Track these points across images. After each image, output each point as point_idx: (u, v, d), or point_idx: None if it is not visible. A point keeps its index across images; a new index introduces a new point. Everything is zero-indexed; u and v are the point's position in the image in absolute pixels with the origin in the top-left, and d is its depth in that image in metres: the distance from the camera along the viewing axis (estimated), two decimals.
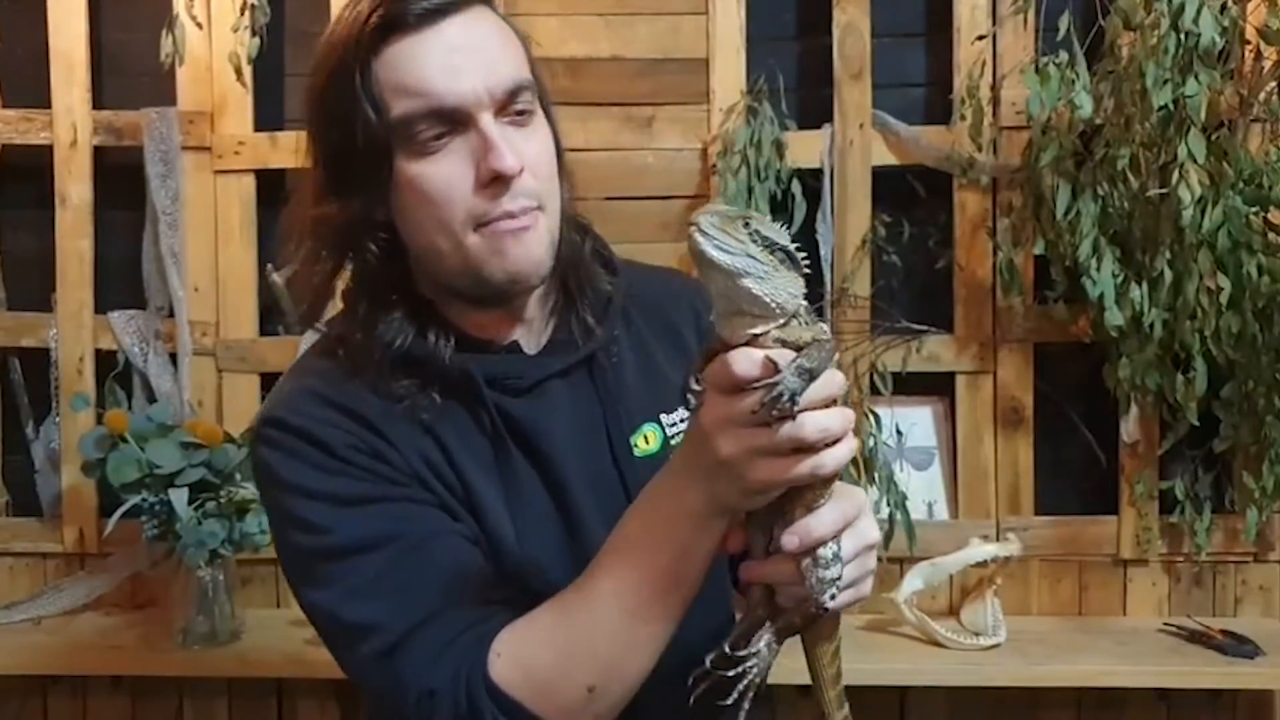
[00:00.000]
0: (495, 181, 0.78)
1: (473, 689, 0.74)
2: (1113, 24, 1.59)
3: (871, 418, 1.77)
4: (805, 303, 0.68)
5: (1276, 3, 1.61)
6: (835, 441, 0.67)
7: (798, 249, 0.69)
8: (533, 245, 0.81)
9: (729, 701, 0.74)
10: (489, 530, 0.80)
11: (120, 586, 1.96)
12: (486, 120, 0.78)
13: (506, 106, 0.80)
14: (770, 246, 0.65)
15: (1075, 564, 1.89)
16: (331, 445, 0.79)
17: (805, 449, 0.66)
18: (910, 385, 1.87)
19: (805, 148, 1.85)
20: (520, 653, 0.75)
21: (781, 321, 0.66)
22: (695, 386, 0.69)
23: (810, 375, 0.64)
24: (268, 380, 1.94)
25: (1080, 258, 1.65)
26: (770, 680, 0.80)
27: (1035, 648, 1.74)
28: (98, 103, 1.95)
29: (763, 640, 0.75)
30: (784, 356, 0.64)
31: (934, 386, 1.90)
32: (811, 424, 0.65)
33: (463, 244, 0.79)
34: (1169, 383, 1.72)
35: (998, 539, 1.83)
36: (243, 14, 1.80)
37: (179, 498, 1.66)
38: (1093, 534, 1.88)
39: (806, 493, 0.71)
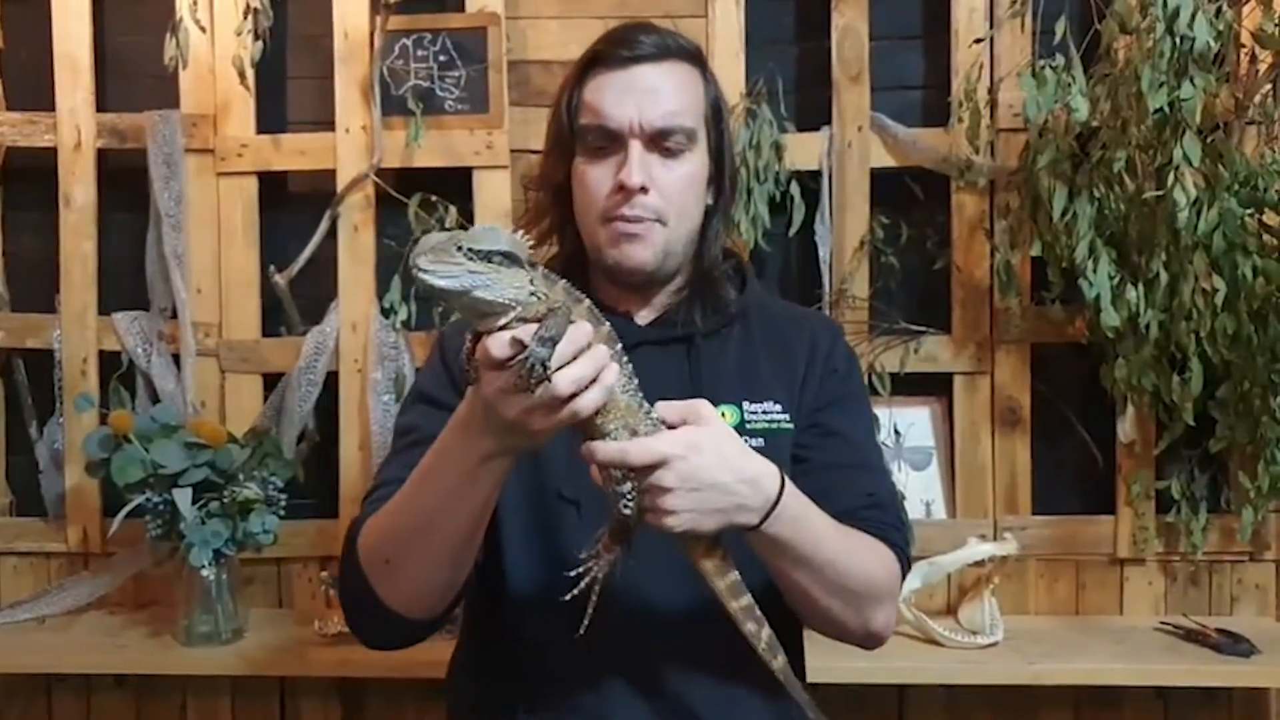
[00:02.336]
0: (621, 190, 1.06)
1: (353, 536, 1.01)
2: (1109, 28, 1.60)
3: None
4: (536, 281, 0.81)
5: (1272, 6, 1.63)
6: (591, 385, 0.83)
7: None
8: (641, 249, 1.07)
9: (573, 593, 0.92)
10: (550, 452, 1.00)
11: (124, 586, 1.97)
12: (634, 145, 1.06)
13: (657, 140, 1.06)
14: (486, 257, 0.78)
15: (1072, 563, 1.91)
16: (444, 349, 1.11)
17: (568, 398, 0.81)
18: (908, 386, 1.88)
19: (804, 150, 1.87)
20: (372, 522, 0.99)
21: (517, 310, 0.79)
22: (467, 368, 0.86)
23: (553, 341, 0.79)
24: (270, 380, 1.96)
25: (1077, 259, 1.66)
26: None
27: (1033, 646, 1.76)
28: (101, 105, 1.96)
29: (599, 541, 0.92)
30: (527, 331, 0.79)
31: (932, 387, 1.91)
32: (563, 380, 0.81)
33: (595, 230, 1.09)
34: (1165, 383, 1.73)
35: (995, 538, 1.85)
36: (246, 17, 1.82)
37: (183, 497, 1.67)
38: (1089, 533, 1.89)
39: (591, 426, 0.86)
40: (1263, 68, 1.68)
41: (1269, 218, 1.65)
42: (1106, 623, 1.88)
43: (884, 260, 1.89)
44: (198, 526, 1.69)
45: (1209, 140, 1.61)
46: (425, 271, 0.76)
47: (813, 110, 1.90)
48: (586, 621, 0.91)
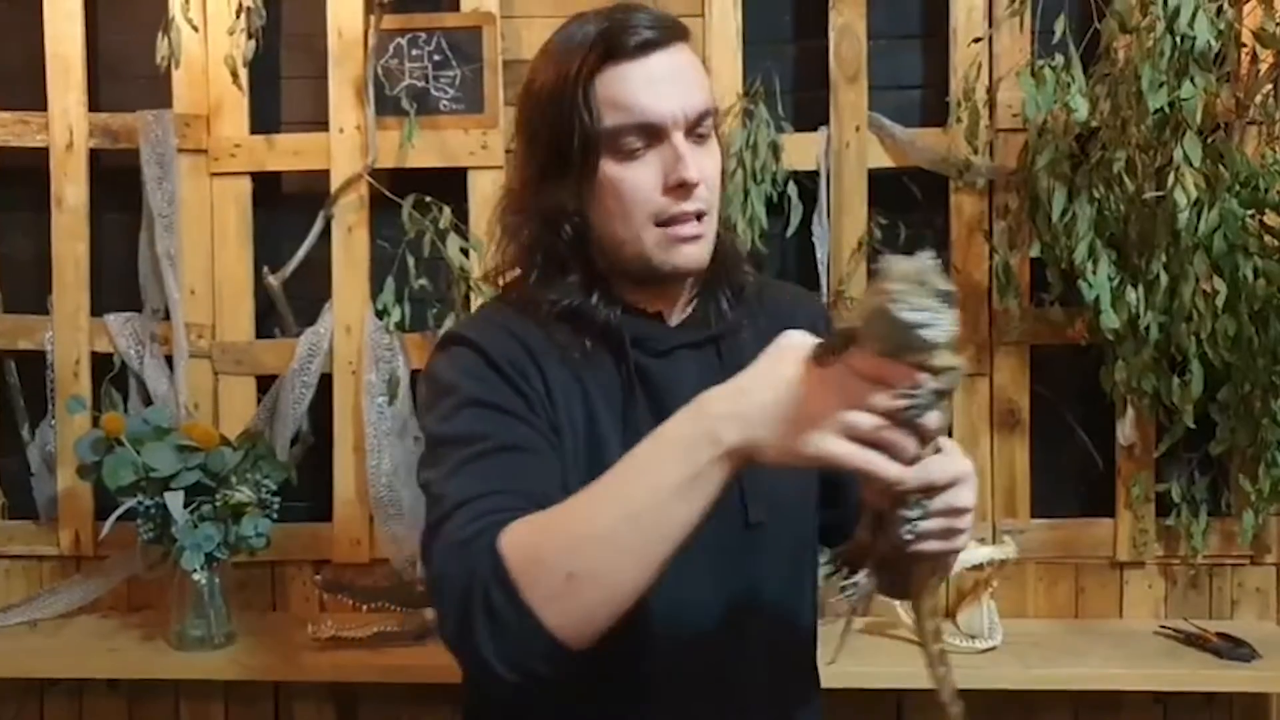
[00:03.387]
0: (680, 188, 0.96)
1: (483, 549, 0.81)
2: (1109, 27, 1.58)
3: None
4: (954, 323, 0.73)
5: (1273, 5, 1.61)
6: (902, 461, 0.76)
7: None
8: (702, 247, 0.98)
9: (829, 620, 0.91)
10: (604, 465, 0.86)
11: (116, 589, 1.96)
12: (679, 137, 0.96)
13: (694, 128, 0.97)
14: (945, 298, 0.71)
15: (1072, 566, 1.90)
16: (491, 356, 0.96)
17: (884, 449, 0.74)
18: None
19: (802, 150, 1.85)
20: (528, 532, 0.82)
21: (940, 350, 0.73)
22: (839, 346, 0.75)
23: (939, 398, 0.74)
24: (264, 382, 1.94)
25: (1076, 260, 1.64)
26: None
27: (1032, 651, 1.74)
28: (94, 105, 1.95)
29: (862, 572, 0.88)
30: (924, 376, 0.73)
31: None
32: (931, 425, 0.75)
33: (640, 236, 0.97)
34: (1165, 385, 1.72)
35: (994, 541, 1.83)
36: (238, 16, 1.80)
37: (174, 501, 1.66)
38: (1089, 536, 1.88)
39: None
40: (1264, 67, 1.67)
41: (1270, 218, 1.64)
42: (1106, 626, 1.86)
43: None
44: (189, 530, 1.67)
45: (1209, 141, 1.60)
46: (897, 302, 0.70)
47: (810, 110, 1.88)
48: (836, 654, 0.92)
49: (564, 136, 0.96)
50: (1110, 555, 1.88)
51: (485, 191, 1.87)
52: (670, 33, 0.97)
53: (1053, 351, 1.87)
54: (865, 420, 0.73)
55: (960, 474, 0.82)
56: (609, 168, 0.96)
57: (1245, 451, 1.76)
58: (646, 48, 0.95)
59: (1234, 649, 1.72)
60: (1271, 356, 1.65)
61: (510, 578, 0.79)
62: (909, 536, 0.82)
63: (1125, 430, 1.84)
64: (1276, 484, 1.72)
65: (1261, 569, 1.89)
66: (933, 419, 0.75)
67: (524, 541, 0.81)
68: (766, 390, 0.77)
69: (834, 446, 0.73)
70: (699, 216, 0.97)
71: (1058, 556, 1.88)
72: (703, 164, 0.97)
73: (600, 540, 0.79)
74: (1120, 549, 1.87)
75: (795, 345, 0.78)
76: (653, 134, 0.95)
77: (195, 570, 1.70)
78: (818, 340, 0.77)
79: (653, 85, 0.95)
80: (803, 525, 1.08)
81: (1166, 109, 1.50)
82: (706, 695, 1.00)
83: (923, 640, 0.92)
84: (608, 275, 1.01)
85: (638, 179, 0.96)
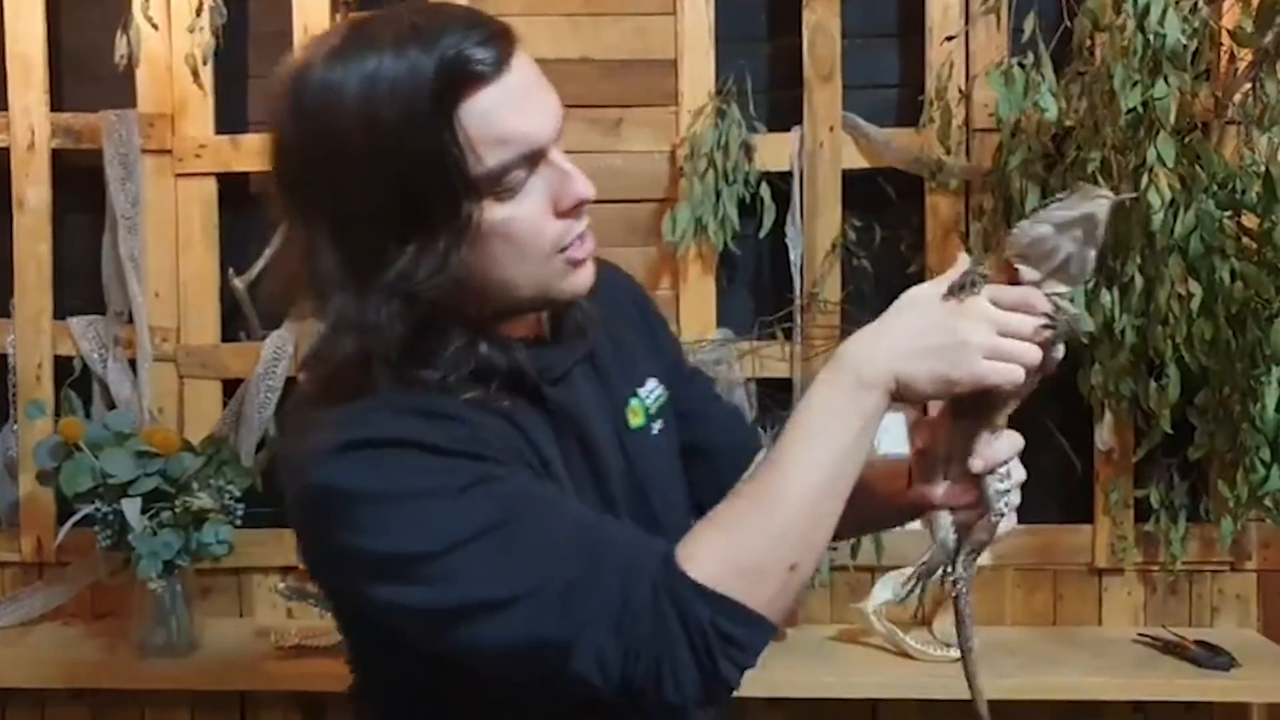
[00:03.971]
0: (575, 208, 0.83)
1: (678, 597, 0.74)
2: (1081, 25, 1.56)
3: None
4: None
5: (1250, 3, 1.58)
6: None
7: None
8: (592, 266, 0.87)
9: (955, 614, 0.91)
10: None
11: (79, 596, 1.93)
12: (557, 153, 0.83)
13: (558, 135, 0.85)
14: (1096, 241, 0.79)
15: (1049, 573, 1.88)
16: (431, 441, 0.78)
17: (1018, 364, 0.78)
18: None
19: (774, 150, 1.83)
20: (714, 549, 0.76)
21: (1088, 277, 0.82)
22: (976, 281, 0.79)
23: (1069, 328, 0.80)
24: (230, 386, 1.91)
25: None
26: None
27: (1008, 659, 1.72)
28: (56, 105, 1.92)
29: (959, 568, 0.88)
30: (1066, 305, 0.80)
31: None
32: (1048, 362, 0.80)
33: (541, 271, 0.84)
34: (1142, 389, 1.69)
35: None
36: (198, 14, 1.77)
37: (131, 507, 1.63)
38: (1067, 542, 1.86)
39: (995, 416, 0.84)
40: (1242, 66, 1.64)
41: (1248, 220, 1.61)
42: (1084, 634, 1.84)
43: (856, 263, 1.84)
44: (147, 537, 1.64)
45: (1186, 141, 1.57)
46: (1061, 232, 0.79)
47: (783, 110, 1.85)
48: (974, 642, 0.90)
49: (424, 192, 0.77)
50: (1089, 561, 1.86)
51: None
52: (504, 32, 0.81)
53: None
54: (1012, 342, 0.78)
55: (1020, 444, 0.87)
56: (494, 212, 0.79)
57: (1223, 456, 1.73)
58: (501, 62, 0.78)
59: (1212, 657, 1.71)
60: (1250, 360, 1.61)
61: (729, 599, 0.74)
62: (1003, 511, 0.85)
63: (1103, 435, 1.82)
64: (1256, 489, 1.68)
65: (1241, 575, 1.88)
66: (1058, 353, 0.81)
67: (716, 558, 0.75)
68: (905, 330, 0.79)
69: (986, 367, 0.77)
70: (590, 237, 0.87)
71: (1035, 563, 1.86)
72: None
73: (804, 518, 0.77)
74: (1099, 555, 1.85)
75: (923, 293, 0.80)
76: (536, 159, 0.81)
77: (152, 578, 1.67)
78: (948, 282, 0.80)
79: (523, 104, 0.79)
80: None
81: (1140, 108, 1.47)
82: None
83: (964, 643, 0.93)
84: (484, 319, 0.85)
85: (529, 214, 0.81)
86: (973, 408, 0.83)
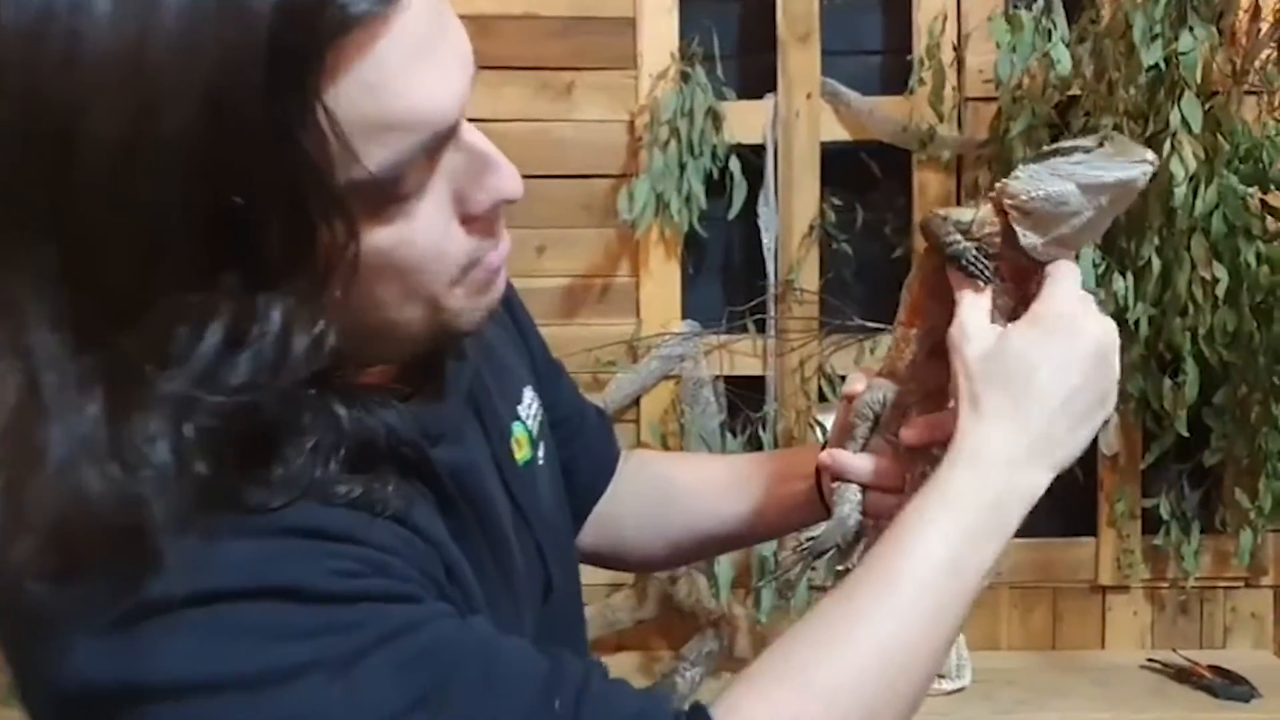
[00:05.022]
0: (494, 211, 0.56)
1: None
2: None
3: (818, 429, 1.57)
4: None
5: None
6: None
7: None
8: (500, 283, 0.60)
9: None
10: (472, 602, 0.60)
11: None
12: (470, 129, 0.54)
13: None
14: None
15: (1049, 591, 1.78)
16: (305, 585, 0.51)
17: None
18: None
19: (745, 120, 1.70)
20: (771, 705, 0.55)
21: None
22: (979, 260, 0.65)
23: None
24: None
25: None
26: None
27: (1005, 690, 1.62)
28: None
29: (853, 556, 0.71)
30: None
31: None
32: None
33: (438, 304, 0.56)
34: (1155, 388, 1.56)
35: None
36: None
37: None
38: (1068, 558, 1.76)
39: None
40: (1265, 26, 1.48)
41: (1272, 197, 1.47)
42: (1087, 659, 1.75)
43: (836, 248, 1.73)
44: None
45: (1207, 108, 1.41)
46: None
47: (756, 75, 1.73)
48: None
49: (250, 225, 0.47)
50: (1091, 578, 1.76)
51: None
52: None
53: None
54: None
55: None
56: (375, 237, 0.51)
57: (1241, 462, 1.63)
58: None
59: (1230, 687, 1.60)
60: (1274, 355, 1.52)
61: None
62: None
63: (1109, 438, 1.70)
64: (1278, 499, 1.54)
65: (1257, 592, 1.78)
66: None
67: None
68: (1024, 391, 0.62)
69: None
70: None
71: (1034, 580, 1.76)
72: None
73: (924, 644, 0.59)
74: (1103, 571, 1.75)
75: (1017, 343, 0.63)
76: (441, 144, 0.52)
77: None
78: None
79: (426, 61, 0.50)
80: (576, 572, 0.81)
81: (1162, 65, 1.31)
82: None
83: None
84: (334, 371, 0.55)
85: (427, 231, 0.53)
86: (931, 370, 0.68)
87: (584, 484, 0.80)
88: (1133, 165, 0.61)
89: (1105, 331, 0.63)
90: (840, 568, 0.71)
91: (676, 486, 0.84)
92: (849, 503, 0.70)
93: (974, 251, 0.64)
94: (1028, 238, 0.63)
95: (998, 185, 0.65)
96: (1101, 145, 0.62)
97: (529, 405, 0.73)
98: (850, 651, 0.56)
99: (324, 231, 0.48)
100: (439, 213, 0.53)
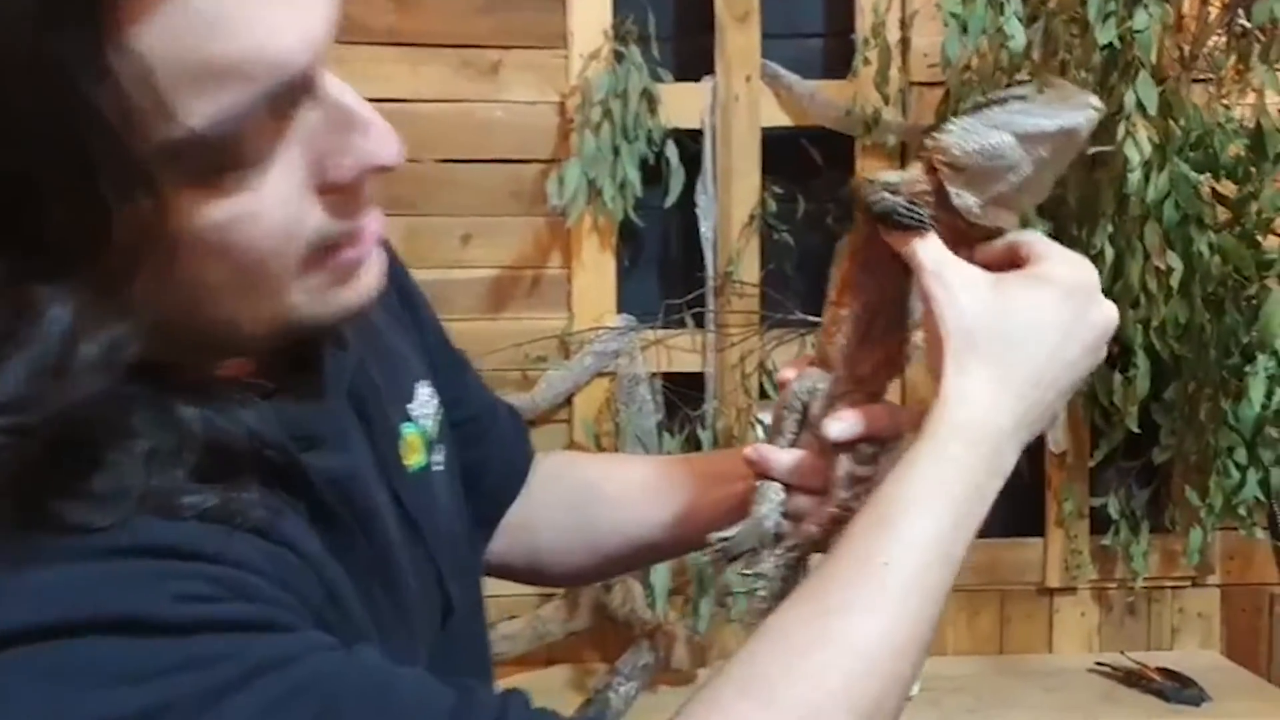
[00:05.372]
0: (360, 179, 0.46)
1: None
2: None
3: (759, 427, 1.50)
4: None
5: None
6: None
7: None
8: (381, 260, 0.51)
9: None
10: (356, 627, 0.51)
11: None
12: (335, 82, 0.45)
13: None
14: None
15: (995, 594, 1.74)
16: (144, 614, 0.43)
17: None
18: None
19: (682, 103, 1.64)
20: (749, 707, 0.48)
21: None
22: (916, 214, 0.58)
23: None
24: None
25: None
26: None
27: (952, 698, 1.58)
28: None
29: (769, 561, 0.63)
30: None
31: None
32: None
33: (289, 297, 0.47)
34: (1103, 383, 1.51)
35: None
36: None
37: None
38: (1015, 559, 1.73)
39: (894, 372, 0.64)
40: (1214, 11, 1.44)
41: (1223, 186, 1.43)
42: (1035, 663, 1.72)
43: (777, 238, 1.68)
44: None
45: (1160, 92, 1.36)
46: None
47: (693, 57, 1.68)
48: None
49: (41, 194, 0.39)
50: (1039, 580, 1.73)
51: None
52: None
53: None
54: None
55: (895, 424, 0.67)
56: (203, 214, 0.42)
57: (1190, 459, 1.58)
58: None
59: (1180, 690, 1.57)
60: (1225, 348, 1.46)
61: None
62: (851, 507, 0.61)
63: (1056, 435, 1.67)
64: (1230, 496, 1.50)
65: (1204, 590, 1.77)
66: None
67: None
68: (1024, 355, 0.54)
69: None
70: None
71: (980, 583, 1.71)
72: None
73: (910, 651, 0.51)
74: (1050, 573, 1.72)
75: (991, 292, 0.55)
76: (292, 98, 0.43)
77: None
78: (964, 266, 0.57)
79: None
80: (478, 583, 0.73)
81: (1116, 44, 1.25)
82: None
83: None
84: (175, 365, 0.47)
85: (274, 202, 0.44)
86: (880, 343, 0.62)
87: (493, 489, 0.71)
88: (1075, 110, 0.55)
89: (1110, 317, 0.57)
90: (748, 572, 0.63)
91: (599, 491, 0.75)
92: (768, 502, 0.64)
93: (905, 203, 0.57)
94: (962, 197, 0.56)
95: (928, 141, 0.57)
96: (1041, 92, 0.55)
97: (424, 403, 0.64)
98: (828, 657, 0.48)
99: (125, 208, 0.38)
100: (288, 184, 0.44)
